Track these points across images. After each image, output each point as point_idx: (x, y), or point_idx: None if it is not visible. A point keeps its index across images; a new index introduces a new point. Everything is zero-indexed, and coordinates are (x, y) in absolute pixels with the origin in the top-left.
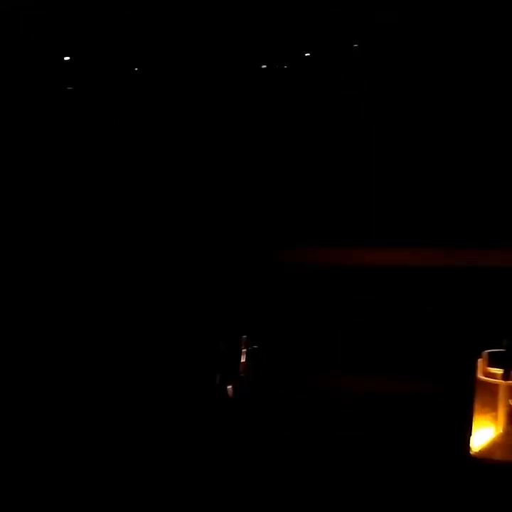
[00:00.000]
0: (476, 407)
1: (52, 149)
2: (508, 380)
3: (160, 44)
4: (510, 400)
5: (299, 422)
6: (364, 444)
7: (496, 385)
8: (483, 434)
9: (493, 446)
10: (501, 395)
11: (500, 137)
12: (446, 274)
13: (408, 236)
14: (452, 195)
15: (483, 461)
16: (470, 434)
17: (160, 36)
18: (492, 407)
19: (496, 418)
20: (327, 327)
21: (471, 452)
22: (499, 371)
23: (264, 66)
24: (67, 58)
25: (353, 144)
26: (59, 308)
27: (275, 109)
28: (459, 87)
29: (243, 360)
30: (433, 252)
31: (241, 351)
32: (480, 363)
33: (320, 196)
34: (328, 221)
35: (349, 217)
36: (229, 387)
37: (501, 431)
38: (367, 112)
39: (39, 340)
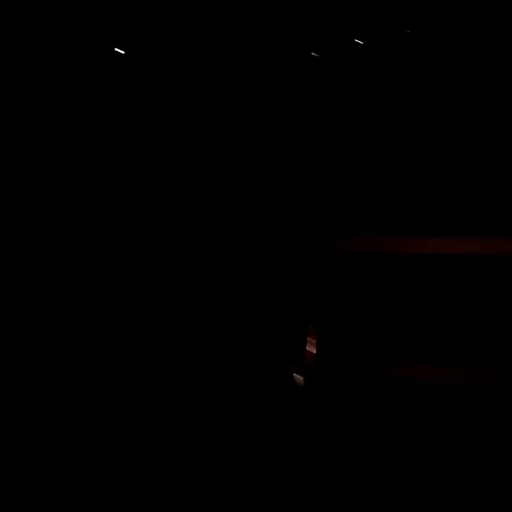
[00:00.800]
0: None
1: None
2: None
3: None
4: None
5: (367, 413)
6: (431, 436)
7: None
8: None
9: None
10: None
11: None
12: None
13: (477, 224)
14: None
15: None
16: None
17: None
18: None
19: None
20: (393, 314)
21: None
22: None
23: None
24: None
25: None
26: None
27: (329, 91)
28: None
29: (311, 349)
30: (505, 240)
31: (308, 340)
32: None
33: (383, 180)
34: (395, 208)
35: (416, 204)
36: (298, 377)
37: None
38: (425, 93)
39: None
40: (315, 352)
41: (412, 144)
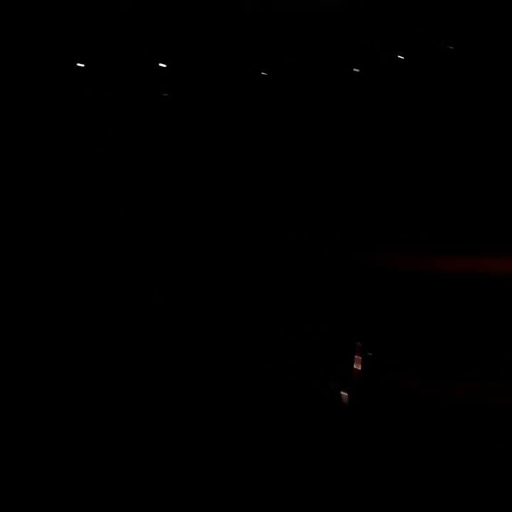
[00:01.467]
0: None
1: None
2: None
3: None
4: None
5: (410, 429)
6: (475, 455)
7: None
8: None
9: None
10: None
11: None
12: None
13: None
14: None
15: None
16: None
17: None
18: None
19: None
20: (440, 333)
21: None
22: None
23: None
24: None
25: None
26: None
27: (380, 110)
28: None
29: (357, 367)
30: None
31: (354, 358)
32: None
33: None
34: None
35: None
36: (344, 394)
37: None
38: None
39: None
40: (360, 369)
41: (442, 166)
